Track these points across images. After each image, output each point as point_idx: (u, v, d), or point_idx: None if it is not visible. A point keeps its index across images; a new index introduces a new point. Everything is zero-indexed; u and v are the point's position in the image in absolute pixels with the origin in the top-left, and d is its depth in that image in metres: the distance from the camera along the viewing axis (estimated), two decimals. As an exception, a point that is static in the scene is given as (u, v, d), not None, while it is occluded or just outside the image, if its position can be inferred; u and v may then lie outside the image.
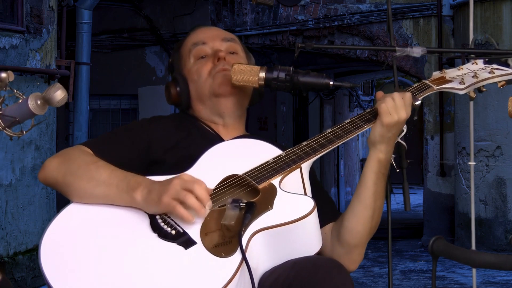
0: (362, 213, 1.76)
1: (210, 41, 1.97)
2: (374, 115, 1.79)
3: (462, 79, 1.90)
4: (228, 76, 1.88)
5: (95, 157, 1.73)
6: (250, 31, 8.89)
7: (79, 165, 1.69)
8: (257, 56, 10.15)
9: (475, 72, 1.91)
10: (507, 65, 1.93)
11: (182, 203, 1.55)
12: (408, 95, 1.77)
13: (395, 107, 1.74)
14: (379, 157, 1.76)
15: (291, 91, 1.85)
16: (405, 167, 1.91)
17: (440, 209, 8.55)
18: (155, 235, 1.56)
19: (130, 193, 1.62)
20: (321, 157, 1.77)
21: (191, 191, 1.55)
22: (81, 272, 1.49)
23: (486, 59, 1.95)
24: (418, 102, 1.81)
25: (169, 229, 1.56)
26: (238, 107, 1.96)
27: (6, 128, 1.47)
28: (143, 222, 1.60)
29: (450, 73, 1.94)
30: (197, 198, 1.55)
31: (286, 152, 1.76)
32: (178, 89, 1.95)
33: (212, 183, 1.66)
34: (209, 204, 1.56)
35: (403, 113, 1.74)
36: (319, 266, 1.55)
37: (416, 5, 8.47)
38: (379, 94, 1.79)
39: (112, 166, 1.69)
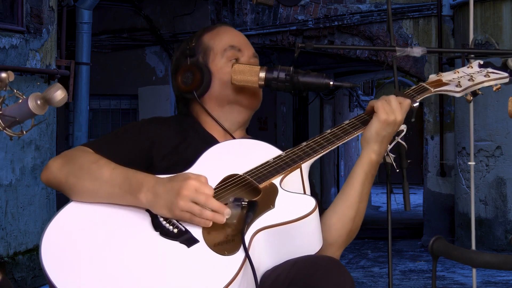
0: (344, 212, 1.77)
1: (245, 51, 1.96)
2: (372, 117, 1.80)
3: (459, 82, 1.92)
4: (257, 93, 1.92)
5: (96, 155, 1.73)
6: (250, 31, 8.88)
7: (82, 165, 1.69)
8: (257, 56, 10.14)
9: (471, 76, 1.93)
10: (502, 69, 1.95)
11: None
12: (407, 102, 1.79)
13: (391, 109, 1.76)
14: (371, 157, 1.78)
15: (291, 91, 1.85)
16: (405, 167, 1.91)
17: (440, 209, 8.56)
18: (157, 233, 1.56)
19: (133, 194, 1.61)
20: (321, 157, 1.78)
21: (203, 206, 1.55)
22: (83, 270, 1.49)
23: (481, 63, 1.97)
24: (416, 104, 1.82)
25: (171, 227, 1.57)
26: (249, 120, 1.98)
27: (6, 128, 1.46)
28: (145, 220, 1.60)
29: (446, 76, 1.96)
30: (213, 210, 1.56)
31: (286, 152, 1.77)
32: (201, 77, 1.91)
33: (212, 183, 1.66)
34: (227, 211, 1.57)
35: (399, 115, 1.76)
36: (319, 265, 1.56)
37: (416, 5, 8.47)
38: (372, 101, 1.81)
39: (113, 164, 1.69)
